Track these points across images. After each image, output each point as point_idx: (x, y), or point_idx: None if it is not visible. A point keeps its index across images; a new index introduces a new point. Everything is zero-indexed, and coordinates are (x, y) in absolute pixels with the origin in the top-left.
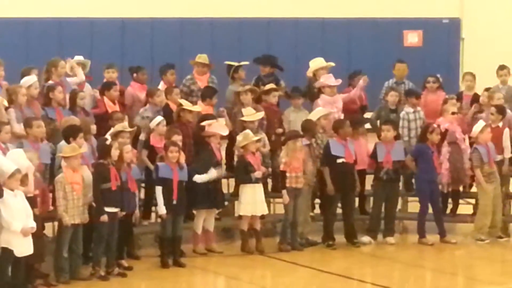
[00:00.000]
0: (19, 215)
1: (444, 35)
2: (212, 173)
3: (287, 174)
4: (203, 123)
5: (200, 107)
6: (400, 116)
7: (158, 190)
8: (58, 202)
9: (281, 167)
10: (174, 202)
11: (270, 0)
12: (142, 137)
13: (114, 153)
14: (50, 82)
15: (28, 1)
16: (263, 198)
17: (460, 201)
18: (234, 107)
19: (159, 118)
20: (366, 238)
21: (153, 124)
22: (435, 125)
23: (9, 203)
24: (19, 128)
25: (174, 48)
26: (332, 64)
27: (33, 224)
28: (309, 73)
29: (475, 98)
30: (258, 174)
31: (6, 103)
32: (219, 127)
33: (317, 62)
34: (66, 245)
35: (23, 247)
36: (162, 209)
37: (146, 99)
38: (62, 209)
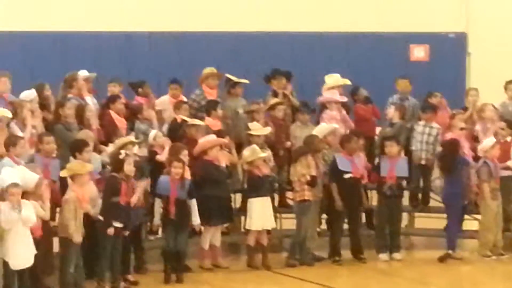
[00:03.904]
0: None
1: (450, 50)
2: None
3: (305, 187)
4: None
5: (204, 122)
6: (394, 130)
7: (157, 202)
8: (66, 221)
9: (307, 178)
10: (171, 216)
11: (276, 15)
12: (140, 152)
13: (127, 167)
14: (70, 96)
15: (31, 15)
16: (271, 212)
17: (467, 216)
18: (235, 122)
19: (153, 131)
20: (383, 256)
21: (150, 138)
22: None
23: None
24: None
25: (181, 62)
26: (348, 82)
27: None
28: (325, 89)
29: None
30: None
31: (10, 115)
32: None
33: (333, 79)
34: (74, 261)
35: (20, 260)
36: (156, 221)
37: (134, 115)
38: (73, 228)
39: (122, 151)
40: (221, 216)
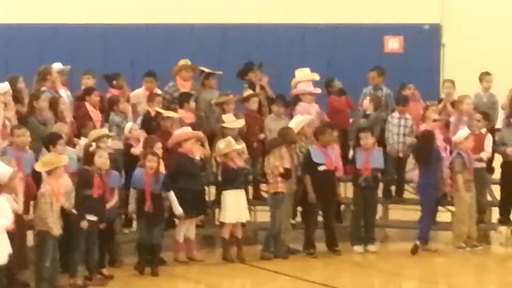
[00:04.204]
0: None
1: (424, 41)
2: (180, 210)
3: (279, 179)
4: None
5: (178, 114)
6: (369, 122)
7: (132, 192)
8: (44, 215)
9: (280, 170)
10: (146, 209)
11: (252, 7)
12: (115, 145)
13: (98, 160)
14: (44, 89)
15: (8, 7)
16: (246, 205)
17: (441, 208)
18: (209, 114)
19: (129, 124)
20: (358, 248)
21: (126, 131)
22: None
23: None
24: None
25: (156, 55)
26: (317, 77)
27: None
28: (294, 83)
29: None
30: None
31: None
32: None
33: (302, 73)
34: (50, 255)
35: None
36: (131, 208)
37: (110, 107)
38: (52, 221)
39: (93, 144)
40: (195, 208)
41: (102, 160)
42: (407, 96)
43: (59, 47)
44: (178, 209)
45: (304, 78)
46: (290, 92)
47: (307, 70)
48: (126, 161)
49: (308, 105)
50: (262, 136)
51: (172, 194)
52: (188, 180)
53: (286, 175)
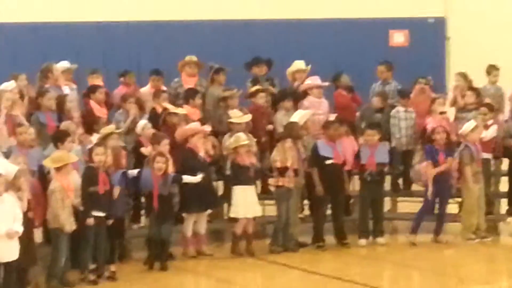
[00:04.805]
0: (4, 219)
1: (429, 35)
2: (198, 178)
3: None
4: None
5: (185, 110)
6: (385, 116)
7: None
8: (56, 212)
9: (277, 165)
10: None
11: (257, 2)
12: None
13: (95, 158)
14: (47, 86)
15: (4, 6)
16: (255, 200)
17: (450, 200)
18: (216, 110)
19: (143, 121)
20: (362, 241)
21: (138, 129)
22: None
23: None
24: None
25: (162, 52)
26: (308, 68)
27: (18, 228)
28: (288, 75)
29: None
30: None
31: None
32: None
33: (294, 65)
34: (65, 253)
35: (7, 253)
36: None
37: (120, 104)
38: (64, 217)
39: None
40: (200, 204)
41: (98, 157)
42: (410, 90)
43: (64, 45)
44: (196, 179)
45: (296, 68)
46: (299, 87)
47: (300, 62)
48: (136, 159)
49: (317, 99)
50: (270, 127)
51: (186, 178)
52: (192, 175)
53: (282, 172)
